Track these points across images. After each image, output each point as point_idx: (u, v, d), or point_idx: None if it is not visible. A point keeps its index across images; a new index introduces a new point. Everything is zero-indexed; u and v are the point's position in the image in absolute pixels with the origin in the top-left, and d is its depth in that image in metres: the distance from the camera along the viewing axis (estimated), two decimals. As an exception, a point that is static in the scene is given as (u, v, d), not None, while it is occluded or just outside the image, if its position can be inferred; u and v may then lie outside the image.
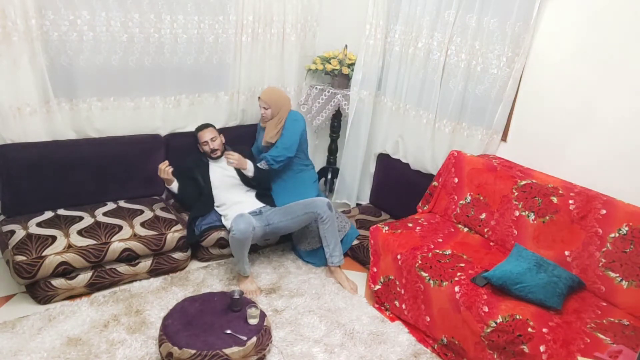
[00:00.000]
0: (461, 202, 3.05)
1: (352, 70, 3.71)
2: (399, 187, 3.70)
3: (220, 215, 3.21)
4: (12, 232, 2.71)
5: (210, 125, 3.30)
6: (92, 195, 3.12)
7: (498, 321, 2.25)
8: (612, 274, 2.41)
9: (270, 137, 3.30)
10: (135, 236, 2.86)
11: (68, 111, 3.06)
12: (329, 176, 4.18)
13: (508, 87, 2.94)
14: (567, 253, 2.57)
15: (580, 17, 2.66)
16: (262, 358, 2.43)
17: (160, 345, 2.32)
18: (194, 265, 3.22)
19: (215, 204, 3.24)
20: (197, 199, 3.20)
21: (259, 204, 3.22)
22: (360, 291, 3.13)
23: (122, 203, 3.19)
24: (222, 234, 3.17)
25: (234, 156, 3.06)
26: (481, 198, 2.95)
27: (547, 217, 2.65)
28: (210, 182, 3.22)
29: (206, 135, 3.21)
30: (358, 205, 4.00)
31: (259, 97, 3.34)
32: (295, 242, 3.37)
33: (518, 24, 2.84)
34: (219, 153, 3.23)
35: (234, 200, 3.19)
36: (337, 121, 4.08)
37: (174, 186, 3.11)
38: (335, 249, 3.11)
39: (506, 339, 2.22)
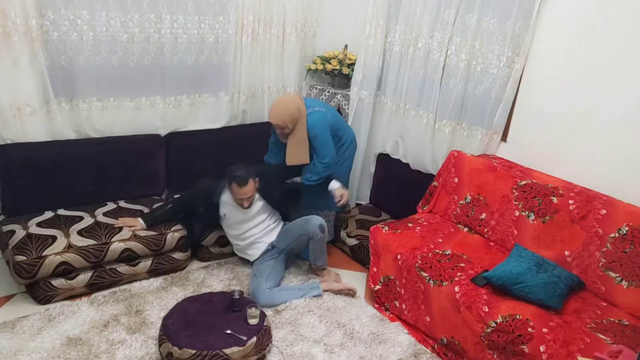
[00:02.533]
0: (461, 202, 3.05)
1: (352, 70, 3.71)
2: (399, 187, 3.70)
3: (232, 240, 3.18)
4: (12, 232, 2.71)
5: (251, 175, 2.83)
6: (92, 195, 3.12)
7: (498, 321, 2.25)
8: (612, 274, 2.41)
9: (300, 159, 3.02)
10: (135, 236, 2.86)
11: (68, 111, 3.06)
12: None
13: (508, 87, 2.94)
14: (567, 253, 2.57)
15: (580, 17, 2.66)
16: (262, 358, 2.43)
17: (160, 345, 2.33)
18: (194, 265, 3.22)
19: (229, 235, 3.17)
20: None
21: (271, 238, 3.11)
22: (360, 291, 3.13)
23: (122, 203, 3.18)
24: (222, 232, 3.17)
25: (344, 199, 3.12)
26: (481, 198, 2.95)
27: (547, 217, 2.65)
28: (218, 217, 3.05)
29: (244, 193, 2.83)
30: (358, 205, 3.99)
31: (271, 122, 3.02)
32: None
33: (518, 24, 2.84)
34: (248, 207, 2.94)
35: (248, 242, 3.08)
36: (337, 121, 4.08)
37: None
38: (320, 258, 3.11)
39: (506, 339, 2.22)
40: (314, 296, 2.96)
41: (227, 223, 3.07)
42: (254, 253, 3.10)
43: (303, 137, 2.98)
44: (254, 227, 3.06)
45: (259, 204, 3.05)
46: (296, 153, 3.02)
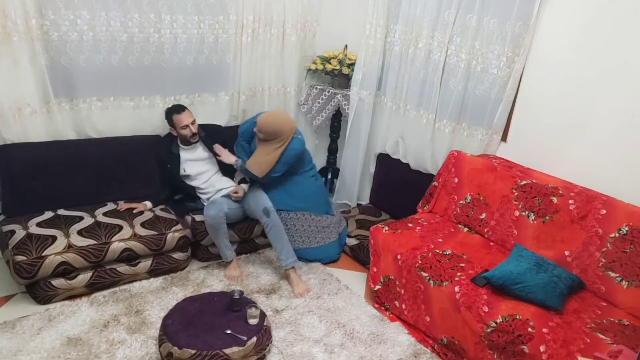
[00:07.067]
0: (461, 202, 3.05)
1: (352, 70, 3.71)
2: (399, 187, 3.71)
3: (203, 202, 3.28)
4: (12, 232, 2.71)
5: (185, 107, 3.20)
6: (92, 195, 3.12)
7: (498, 321, 2.25)
8: (612, 274, 2.41)
9: (259, 170, 3.07)
10: (135, 236, 2.86)
11: (68, 111, 3.06)
12: (329, 176, 4.18)
13: (508, 87, 2.94)
14: (567, 253, 2.57)
15: (580, 17, 2.66)
16: (262, 358, 2.43)
17: (160, 345, 2.33)
18: (194, 265, 3.22)
19: (197, 191, 3.28)
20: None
21: (232, 184, 3.30)
22: (360, 291, 3.13)
23: (122, 203, 3.18)
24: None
25: (239, 194, 3.13)
26: (481, 198, 2.95)
27: (547, 217, 2.65)
28: (181, 175, 3.22)
29: (186, 118, 3.10)
30: (358, 205, 4.00)
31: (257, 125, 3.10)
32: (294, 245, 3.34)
33: (518, 24, 2.84)
34: (197, 137, 3.20)
35: (216, 188, 3.26)
36: (337, 121, 4.08)
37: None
38: (281, 253, 3.06)
39: (506, 339, 2.22)
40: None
41: (190, 178, 3.24)
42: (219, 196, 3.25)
43: (275, 155, 3.07)
44: (213, 175, 3.29)
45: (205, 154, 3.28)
46: (259, 163, 3.08)
